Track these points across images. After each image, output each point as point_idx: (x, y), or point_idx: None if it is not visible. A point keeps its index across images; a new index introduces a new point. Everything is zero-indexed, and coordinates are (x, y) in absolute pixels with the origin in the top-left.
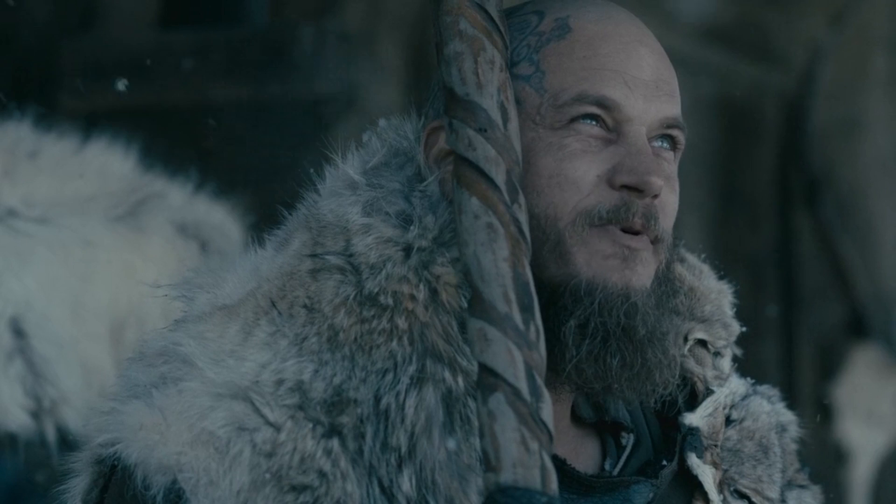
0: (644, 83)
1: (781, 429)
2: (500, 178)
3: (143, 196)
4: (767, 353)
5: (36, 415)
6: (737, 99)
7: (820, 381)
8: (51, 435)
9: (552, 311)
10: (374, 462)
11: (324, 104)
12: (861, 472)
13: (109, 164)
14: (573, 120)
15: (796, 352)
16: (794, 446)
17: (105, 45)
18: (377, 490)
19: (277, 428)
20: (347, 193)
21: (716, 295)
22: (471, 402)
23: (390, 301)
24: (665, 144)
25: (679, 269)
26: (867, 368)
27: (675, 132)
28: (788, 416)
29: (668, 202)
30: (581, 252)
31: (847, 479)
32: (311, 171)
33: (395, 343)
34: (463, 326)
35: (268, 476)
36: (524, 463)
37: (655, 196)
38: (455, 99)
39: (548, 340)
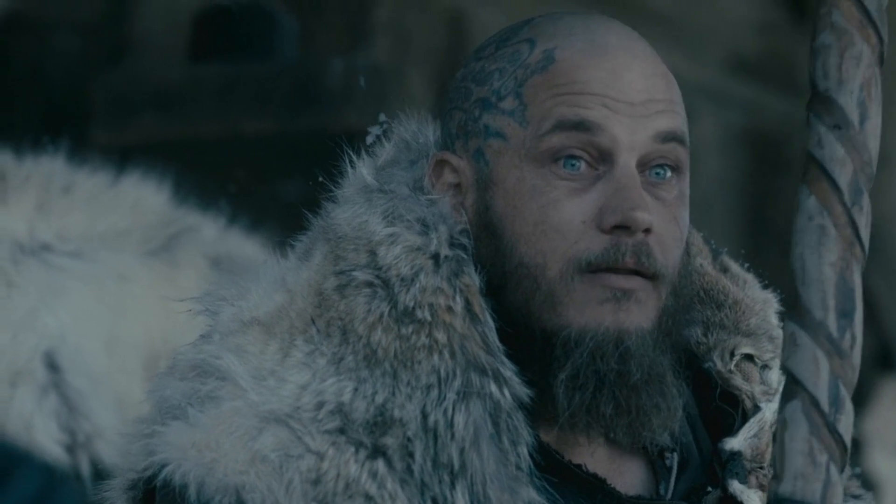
0: (629, 105)
1: None
2: (843, 180)
3: (177, 230)
4: None
5: (71, 449)
6: (765, 131)
7: None
8: (85, 469)
9: (545, 363)
10: (427, 480)
11: (354, 138)
12: None
13: (143, 198)
14: (556, 160)
15: None
16: None
17: (136, 79)
18: None
19: (320, 456)
20: (361, 200)
21: (761, 306)
22: (517, 413)
23: (427, 315)
24: (662, 172)
25: (723, 281)
26: (895, 401)
27: (672, 147)
28: None
29: (667, 233)
30: (572, 302)
31: None
32: (321, 177)
33: (436, 358)
34: (501, 337)
35: None
36: (806, 476)
37: (647, 231)
38: (815, 93)
39: (542, 391)
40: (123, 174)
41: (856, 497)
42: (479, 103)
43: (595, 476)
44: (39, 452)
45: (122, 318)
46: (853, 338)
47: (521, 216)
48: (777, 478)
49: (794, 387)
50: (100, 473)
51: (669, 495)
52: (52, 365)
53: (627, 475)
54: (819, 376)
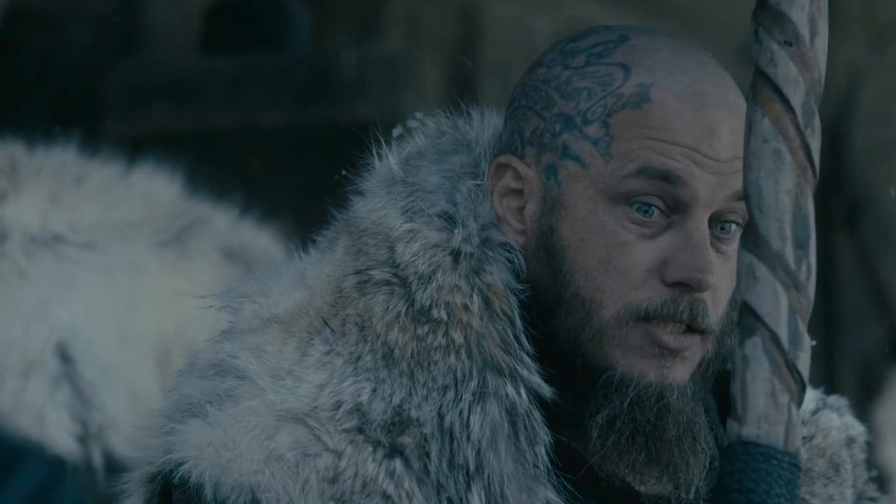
0: (715, 162)
1: (850, 440)
2: (797, 101)
3: (189, 221)
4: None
5: (83, 440)
6: None
7: (861, 403)
8: (97, 460)
9: (582, 398)
10: (443, 480)
11: (367, 128)
12: None
13: (155, 189)
14: (633, 202)
15: (837, 375)
16: (862, 456)
17: (148, 70)
18: None
19: (338, 454)
20: (381, 193)
21: None
22: (534, 413)
23: (444, 315)
24: (729, 227)
25: None
26: None
27: (744, 205)
28: (858, 429)
29: (723, 287)
30: (620, 347)
31: None
32: (344, 171)
33: (453, 358)
34: (525, 332)
35: (332, 503)
36: (770, 418)
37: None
38: (764, 6)
39: (575, 424)
40: (135, 165)
41: (872, 500)
42: (562, 119)
43: (614, 474)
44: (51, 444)
45: (135, 310)
46: (809, 269)
47: (587, 249)
48: (737, 419)
49: (753, 322)
50: (112, 465)
51: (692, 495)
52: (65, 356)
53: (655, 472)
54: (779, 311)
